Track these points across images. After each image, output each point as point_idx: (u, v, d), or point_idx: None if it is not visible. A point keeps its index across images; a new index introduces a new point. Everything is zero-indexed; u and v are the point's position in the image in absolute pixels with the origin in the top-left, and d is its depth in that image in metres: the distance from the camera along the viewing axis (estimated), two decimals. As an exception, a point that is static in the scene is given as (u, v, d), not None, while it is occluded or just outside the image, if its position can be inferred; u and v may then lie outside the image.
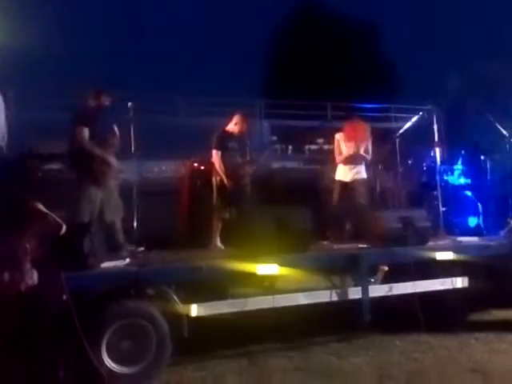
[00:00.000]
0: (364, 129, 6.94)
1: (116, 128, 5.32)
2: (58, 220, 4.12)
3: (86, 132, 4.98)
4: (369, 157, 6.84)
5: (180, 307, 4.49)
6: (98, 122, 5.11)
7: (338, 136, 6.93)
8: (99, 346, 4.14)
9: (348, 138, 6.83)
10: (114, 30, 30.38)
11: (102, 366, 4.11)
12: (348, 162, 6.78)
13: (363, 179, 6.80)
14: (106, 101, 5.23)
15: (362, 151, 6.78)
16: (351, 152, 6.76)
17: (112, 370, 4.18)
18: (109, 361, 4.19)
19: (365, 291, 5.19)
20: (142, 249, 5.45)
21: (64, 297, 3.94)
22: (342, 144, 6.86)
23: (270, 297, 4.99)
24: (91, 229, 4.43)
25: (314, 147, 8.22)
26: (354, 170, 6.78)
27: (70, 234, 4.18)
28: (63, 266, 4.03)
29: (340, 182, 6.81)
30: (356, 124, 6.99)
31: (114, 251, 5.03)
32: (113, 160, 5.18)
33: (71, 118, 5.17)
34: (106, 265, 4.60)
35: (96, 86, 5.36)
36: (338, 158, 6.88)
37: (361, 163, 6.79)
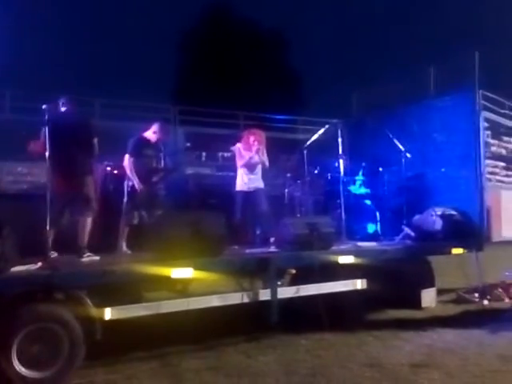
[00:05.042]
0: (262, 136, 7.11)
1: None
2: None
3: None
4: (267, 163, 7.06)
5: (93, 311, 4.49)
6: None
7: (239, 145, 7.09)
8: (9, 350, 4.06)
9: (247, 146, 7.02)
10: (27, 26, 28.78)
11: (12, 371, 4.04)
12: (249, 168, 6.97)
13: (262, 188, 7.04)
14: None
15: (261, 157, 6.98)
16: (252, 159, 6.95)
17: (22, 375, 4.10)
18: (19, 365, 4.11)
19: (273, 293, 5.44)
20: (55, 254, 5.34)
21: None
22: (243, 152, 7.02)
23: (185, 299, 5.11)
24: (3, 232, 4.32)
25: (226, 154, 8.43)
26: (254, 179, 6.99)
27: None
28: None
29: (241, 192, 6.96)
30: (254, 131, 7.17)
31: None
32: None
33: None
34: (17, 269, 4.51)
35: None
36: (239, 164, 7.03)
37: (259, 171, 7.03)
